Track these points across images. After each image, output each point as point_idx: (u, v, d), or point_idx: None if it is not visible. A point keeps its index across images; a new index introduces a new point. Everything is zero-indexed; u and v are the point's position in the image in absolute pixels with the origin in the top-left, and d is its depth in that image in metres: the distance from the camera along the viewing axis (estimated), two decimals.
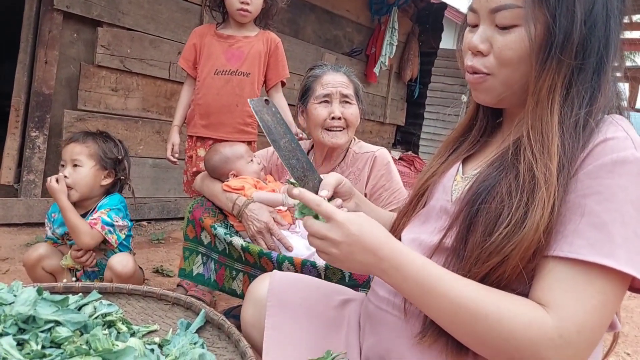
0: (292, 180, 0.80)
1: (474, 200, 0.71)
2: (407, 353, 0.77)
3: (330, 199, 0.86)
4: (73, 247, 1.64)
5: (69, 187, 1.62)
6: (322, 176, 0.85)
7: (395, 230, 0.93)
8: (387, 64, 4.91)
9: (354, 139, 1.70)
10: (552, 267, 0.64)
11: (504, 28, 0.71)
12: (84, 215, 1.67)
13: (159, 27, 3.13)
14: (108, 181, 1.71)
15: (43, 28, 2.69)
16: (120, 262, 1.59)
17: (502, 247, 0.65)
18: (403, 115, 5.66)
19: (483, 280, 0.68)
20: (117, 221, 1.65)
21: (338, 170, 1.64)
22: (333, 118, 1.56)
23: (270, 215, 1.52)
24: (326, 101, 1.58)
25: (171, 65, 3.19)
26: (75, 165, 1.64)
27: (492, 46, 0.73)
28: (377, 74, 4.94)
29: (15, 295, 0.95)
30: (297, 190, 0.78)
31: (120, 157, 1.72)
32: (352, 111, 1.58)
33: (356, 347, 0.91)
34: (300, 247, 1.45)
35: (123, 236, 1.69)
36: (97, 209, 1.69)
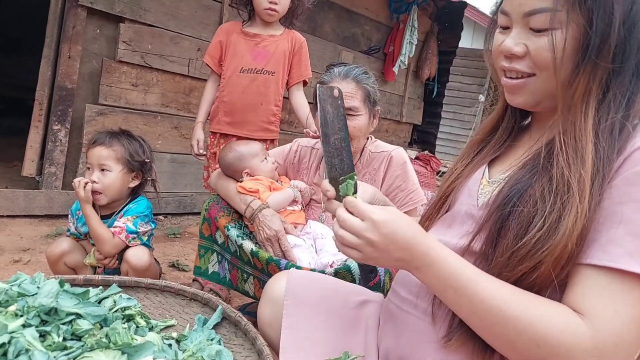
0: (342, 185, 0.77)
1: (505, 204, 0.70)
2: (429, 356, 0.76)
3: None
4: (96, 248, 1.66)
5: (98, 192, 1.62)
6: (360, 186, 0.82)
7: None
8: (406, 62, 4.88)
9: (371, 137, 1.68)
10: (588, 275, 0.63)
11: (539, 31, 0.70)
12: (109, 216, 1.69)
13: (180, 24, 3.15)
14: (136, 183, 1.73)
15: (67, 24, 2.74)
16: (136, 254, 1.61)
17: (534, 252, 0.64)
18: (420, 114, 5.62)
19: (515, 284, 0.66)
20: (141, 227, 1.68)
21: None
22: None
23: (282, 225, 1.52)
24: None
25: (190, 62, 3.22)
26: (103, 170, 1.64)
27: (527, 49, 0.71)
28: (396, 73, 4.91)
29: (38, 287, 0.98)
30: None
31: (147, 160, 1.73)
32: (355, 124, 1.52)
33: (374, 348, 0.91)
34: (306, 261, 1.45)
35: (145, 238, 1.72)
36: (123, 213, 1.70)
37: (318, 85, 0.83)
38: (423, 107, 5.63)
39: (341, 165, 0.78)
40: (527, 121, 0.87)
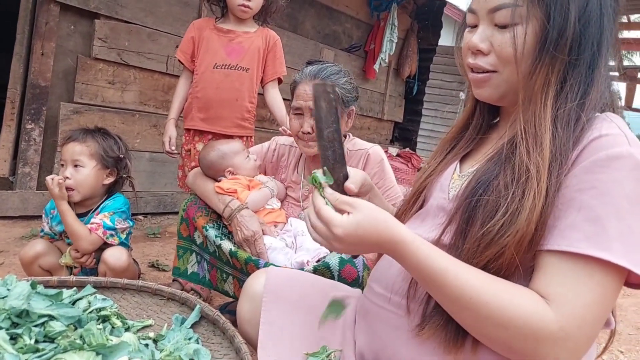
0: (317, 172, 0.80)
1: (472, 194, 0.72)
2: (402, 348, 0.78)
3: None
4: (72, 247, 1.62)
5: (70, 189, 1.59)
6: (349, 171, 0.85)
7: None
8: (387, 60, 4.90)
9: (349, 136, 1.68)
10: (551, 261, 0.65)
11: (503, 27, 0.73)
12: (85, 214, 1.66)
13: (157, 20, 3.10)
14: (110, 180, 1.69)
15: (40, 20, 2.67)
16: (114, 255, 1.58)
17: (499, 237, 0.66)
18: (401, 112, 5.66)
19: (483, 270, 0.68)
20: (119, 224, 1.65)
21: None
22: (304, 133, 1.53)
23: (260, 226, 1.51)
24: (300, 113, 1.54)
25: (169, 59, 3.17)
26: (76, 166, 1.61)
27: (492, 45, 0.75)
28: (377, 71, 4.93)
29: (8, 290, 0.95)
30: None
31: (121, 155, 1.70)
32: None
33: (352, 343, 0.91)
34: (282, 263, 1.45)
35: (124, 236, 1.68)
36: (99, 210, 1.67)
37: (313, 83, 0.85)
38: (404, 104, 5.67)
39: (333, 156, 0.81)
40: (496, 120, 0.90)
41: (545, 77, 0.71)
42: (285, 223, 1.66)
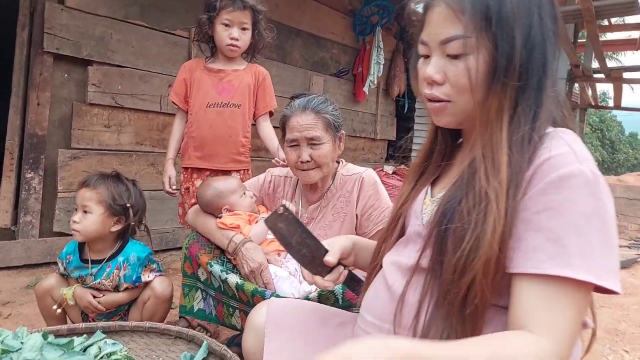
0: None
1: (440, 222, 0.75)
2: None
3: (335, 266, 0.94)
4: (83, 292, 1.66)
5: (75, 231, 1.62)
6: (326, 244, 0.90)
7: (376, 257, 0.95)
8: (375, 82, 5.01)
9: (342, 162, 1.73)
10: (523, 287, 0.67)
11: (455, 57, 0.76)
12: (100, 262, 1.68)
13: (149, 62, 3.19)
14: (118, 227, 1.69)
15: (34, 71, 2.75)
16: (162, 284, 1.70)
17: (469, 262, 0.68)
18: (394, 130, 5.74)
19: (465, 298, 0.69)
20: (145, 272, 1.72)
21: (328, 194, 1.67)
22: (302, 162, 1.58)
23: (264, 257, 1.55)
24: (296, 145, 1.59)
25: (162, 98, 3.24)
26: (85, 212, 1.64)
27: (446, 75, 0.78)
28: (367, 92, 5.02)
29: (22, 342, 0.97)
30: None
31: (129, 204, 1.69)
32: (320, 152, 1.57)
33: None
34: (288, 292, 1.48)
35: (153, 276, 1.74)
36: (120, 260, 1.69)
37: (264, 221, 0.96)
38: (396, 122, 5.75)
39: (309, 251, 0.90)
40: (460, 141, 0.93)
41: (498, 103, 0.74)
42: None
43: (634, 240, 4.67)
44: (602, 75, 10.20)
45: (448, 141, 0.92)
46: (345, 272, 0.96)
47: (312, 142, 1.56)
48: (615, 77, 10.10)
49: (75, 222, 1.62)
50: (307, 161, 1.56)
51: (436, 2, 0.78)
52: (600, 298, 2.72)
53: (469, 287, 0.69)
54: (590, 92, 12.03)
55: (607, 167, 21.55)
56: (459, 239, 0.70)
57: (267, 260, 1.56)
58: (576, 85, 10.90)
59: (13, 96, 2.79)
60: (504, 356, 0.62)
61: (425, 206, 0.88)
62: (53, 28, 2.73)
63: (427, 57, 0.81)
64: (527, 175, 0.70)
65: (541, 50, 0.75)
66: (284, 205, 0.92)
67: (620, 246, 4.31)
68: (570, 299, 0.65)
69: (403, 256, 0.85)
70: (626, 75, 10.74)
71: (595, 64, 9.70)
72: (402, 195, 0.94)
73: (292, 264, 1.60)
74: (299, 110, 1.59)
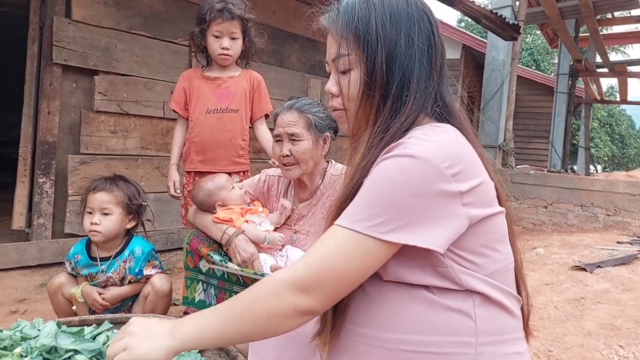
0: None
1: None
2: None
3: None
4: (91, 290, 1.80)
5: (96, 232, 1.77)
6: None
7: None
8: None
9: (331, 162, 1.86)
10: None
11: (344, 72, 0.91)
12: (108, 258, 1.84)
13: (152, 70, 3.33)
14: (132, 224, 1.88)
15: (44, 82, 2.90)
16: (161, 280, 1.83)
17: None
18: None
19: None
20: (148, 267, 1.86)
21: (318, 192, 1.80)
22: (282, 156, 1.73)
23: (255, 248, 1.70)
24: (280, 140, 1.75)
25: (165, 104, 3.38)
26: (105, 214, 1.79)
27: (340, 88, 0.92)
28: None
29: (39, 330, 1.11)
30: None
31: (144, 203, 1.89)
32: (298, 148, 1.71)
33: None
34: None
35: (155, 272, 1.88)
36: (126, 254, 1.84)
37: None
38: None
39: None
40: None
41: (366, 110, 0.89)
42: (280, 249, 1.81)
43: (636, 237, 4.63)
44: (605, 70, 10.15)
45: None
46: None
47: (293, 137, 1.72)
48: (619, 71, 10.06)
49: (96, 224, 1.77)
50: (287, 155, 1.71)
51: (328, 28, 0.93)
52: (598, 295, 2.72)
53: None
54: (595, 87, 11.92)
55: (617, 162, 20.85)
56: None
57: (262, 246, 1.71)
58: (581, 80, 10.83)
59: (25, 106, 2.95)
60: (249, 298, 0.79)
61: None
62: (61, 41, 2.88)
63: (330, 73, 0.96)
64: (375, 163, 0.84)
65: (403, 66, 0.86)
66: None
67: (622, 243, 4.24)
68: (332, 240, 0.78)
69: None
70: (631, 68, 10.64)
71: (598, 59, 9.67)
72: None
73: (282, 261, 1.73)
74: (285, 109, 1.76)
